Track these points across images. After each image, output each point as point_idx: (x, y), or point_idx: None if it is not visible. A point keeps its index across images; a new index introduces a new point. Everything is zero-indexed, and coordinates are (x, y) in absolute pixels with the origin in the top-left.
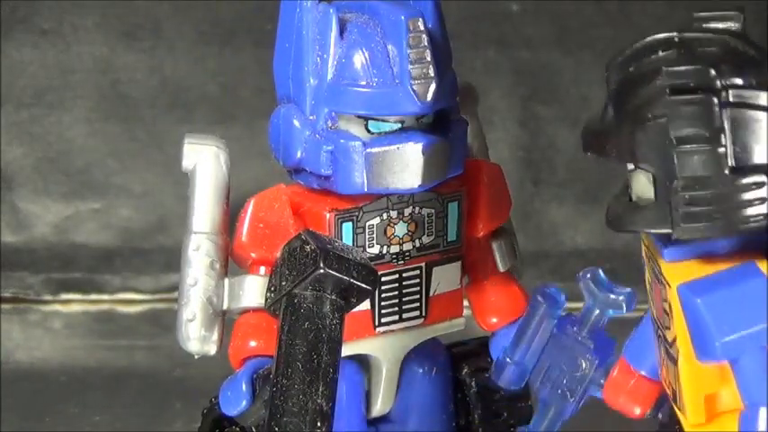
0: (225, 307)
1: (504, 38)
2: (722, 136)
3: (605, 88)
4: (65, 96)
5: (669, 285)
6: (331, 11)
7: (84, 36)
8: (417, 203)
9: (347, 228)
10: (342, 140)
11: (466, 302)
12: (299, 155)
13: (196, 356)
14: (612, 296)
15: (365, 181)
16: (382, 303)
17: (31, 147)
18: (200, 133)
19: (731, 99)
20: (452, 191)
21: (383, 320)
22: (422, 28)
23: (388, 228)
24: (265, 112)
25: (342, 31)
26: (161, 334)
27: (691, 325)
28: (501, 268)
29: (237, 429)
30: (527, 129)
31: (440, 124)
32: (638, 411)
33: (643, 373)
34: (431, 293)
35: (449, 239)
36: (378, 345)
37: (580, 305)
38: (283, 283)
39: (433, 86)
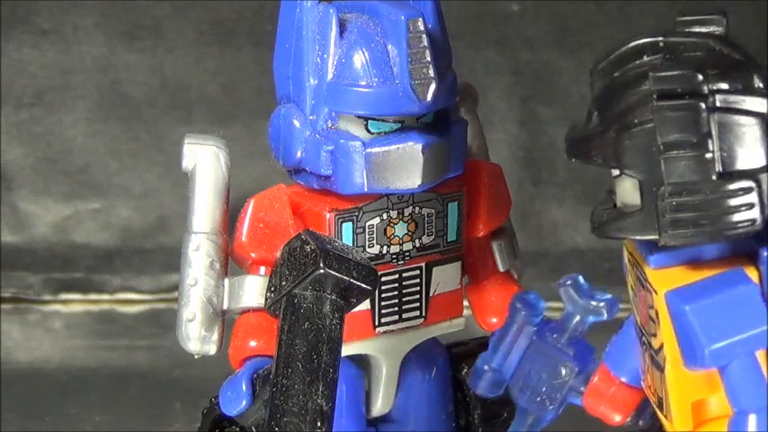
0: (225, 307)
1: (504, 38)
2: (709, 141)
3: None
4: (65, 96)
5: (656, 292)
6: (331, 11)
7: (84, 36)
8: (417, 203)
9: (347, 228)
10: (342, 140)
11: (466, 302)
12: (299, 155)
13: (196, 356)
14: (593, 303)
15: (365, 181)
16: (382, 303)
17: (31, 147)
18: (200, 133)
19: (718, 104)
20: (452, 191)
21: (383, 320)
22: (422, 28)
23: (388, 228)
24: (265, 112)
25: (342, 31)
26: (161, 334)
27: (678, 332)
28: (501, 268)
29: (237, 429)
30: (527, 129)
31: (440, 124)
32: (618, 419)
33: (624, 379)
34: (431, 293)
35: (449, 239)
36: (378, 345)
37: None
38: (283, 283)
39: (432, 86)
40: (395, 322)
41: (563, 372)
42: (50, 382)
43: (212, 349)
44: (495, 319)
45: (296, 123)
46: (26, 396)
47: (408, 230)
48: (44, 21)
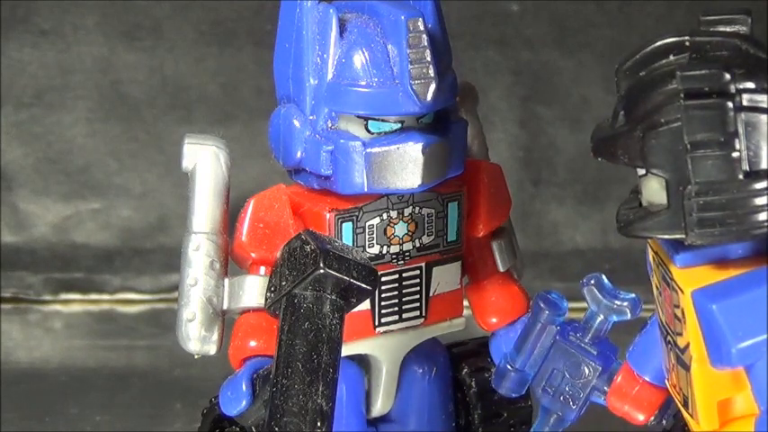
0: (225, 307)
1: (504, 38)
2: (736, 140)
3: (604, 88)
4: (65, 96)
5: (682, 291)
6: (331, 11)
7: (84, 36)
8: (417, 203)
9: (347, 228)
10: (342, 140)
11: (466, 302)
12: (298, 155)
13: (196, 356)
14: (617, 302)
15: (365, 181)
16: (382, 303)
17: (31, 147)
18: (200, 133)
19: (745, 103)
20: (452, 191)
21: (383, 320)
22: (422, 28)
23: (388, 228)
24: (265, 112)
25: (342, 31)
26: (161, 334)
27: (705, 331)
28: (501, 268)
29: (237, 429)
30: (527, 129)
31: (440, 124)
32: (641, 418)
33: (647, 378)
34: (431, 293)
35: (449, 239)
36: (378, 345)
37: (581, 305)
38: (283, 283)
39: (432, 86)
40: (395, 322)
41: (586, 371)
42: (50, 382)
43: (212, 349)
44: (495, 319)
45: (296, 123)
46: (26, 396)
47: (408, 230)
48: (44, 21)
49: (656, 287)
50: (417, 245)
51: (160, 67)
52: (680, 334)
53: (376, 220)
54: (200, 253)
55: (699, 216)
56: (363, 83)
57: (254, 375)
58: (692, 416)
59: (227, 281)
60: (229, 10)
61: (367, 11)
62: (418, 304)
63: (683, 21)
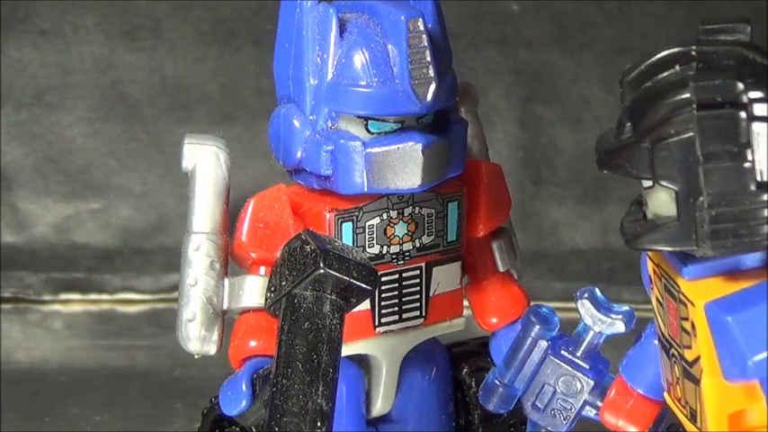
0: (225, 307)
1: (504, 38)
2: (748, 151)
3: (604, 88)
4: (65, 96)
5: (693, 304)
6: (331, 11)
7: (84, 36)
8: (417, 203)
9: (347, 228)
10: (342, 140)
11: (466, 302)
12: (299, 155)
13: (196, 356)
14: (612, 315)
15: (365, 181)
16: (382, 303)
17: (31, 147)
18: (200, 133)
19: (756, 113)
20: (452, 191)
21: (383, 320)
22: (422, 28)
23: (388, 228)
24: (265, 112)
25: (342, 32)
26: (161, 334)
27: (719, 343)
28: (501, 268)
29: (237, 429)
30: (527, 129)
31: (440, 124)
32: None
33: (641, 391)
34: (431, 293)
35: (449, 239)
36: (378, 345)
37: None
38: (283, 283)
39: (432, 87)
40: (395, 322)
41: (579, 386)
42: (50, 382)
43: (212, 349)
44: (494, 319)
45: (296, 123)
46: (26, 396)
47: (408, 230)
48: (44, 21)
49: (657, 300)
50: (417, 245)
51: (160, 67)
52: (688, 347)
53: (376, 220)
54: (200, 253)
55: (711, 228)
56: (363, 83)
57: (254, 375)
58: (700, 429)
59: (227, 281)
60: (229, 10)
61: (367, 11)
62: (418, 304)
63: (683, 21)
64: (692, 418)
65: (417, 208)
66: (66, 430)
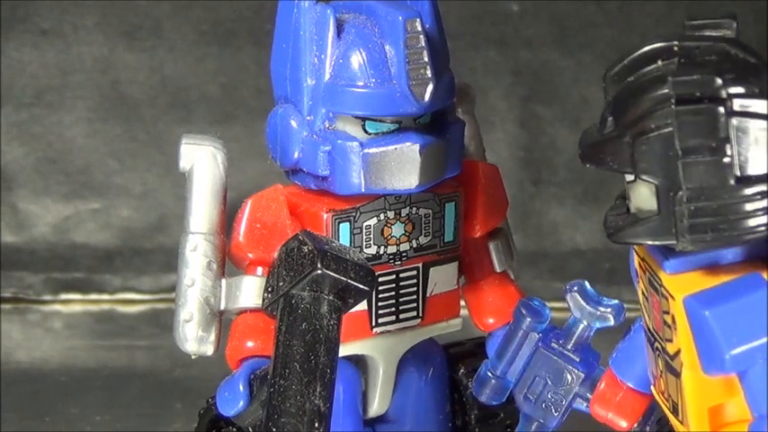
0: (222, 307)
1: (504, 38)
2: (727, 146)
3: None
4: (65, 96)
5: (673, 297)
6: (328, 11)
7: (84, 36)
8: (414, 204)
9: (344, 228)
10: (339, 141)
11: (463, 303)
12: (296, 155)
13: (193, 357)
14: (601, 309)
15: (362, 181)
16: (379, 304)
17: (31, 147)
18: (200, 133)
19: (735, 108)
20: (449, 191)
21: (380, 321)
22: (419, 28)
23: (386, 228)
24: (265, 113)
25: (339, 32)
26: (161, 334)
27: (697, 337)
28: (497, 269)
29: (234, 430)
30: (527, 129)
31: (437, 125)
32: (625, 425)
33: (631, 385)
34: (428, 294)
35: (446, 240)
36: (375, 345)
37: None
38: (281, 284)
39: (430, 87)
40: (392, 323)
41: (569, 378)
42: (50, 382)
43: (209, 350)
44: (491, 320)
45: (293, 124)
46: (26, 396)
47: (405, 231)
48: (44, 21)
49: (643, 293)
50: (414, 245)
51: (160, 67)
52: (669, 340)
53: (373, 221)
54: (197, 253)
55: (690, 222)
56: (361, 83)
57: (252, 376)
58: (681, 423)
59: (224, 281)
60: (229, 10)
61: (364, 11)
62: (415, 305)
63: (683, 21)
64: (674, 411)
65: (414, 208)
66: (66, 430)
